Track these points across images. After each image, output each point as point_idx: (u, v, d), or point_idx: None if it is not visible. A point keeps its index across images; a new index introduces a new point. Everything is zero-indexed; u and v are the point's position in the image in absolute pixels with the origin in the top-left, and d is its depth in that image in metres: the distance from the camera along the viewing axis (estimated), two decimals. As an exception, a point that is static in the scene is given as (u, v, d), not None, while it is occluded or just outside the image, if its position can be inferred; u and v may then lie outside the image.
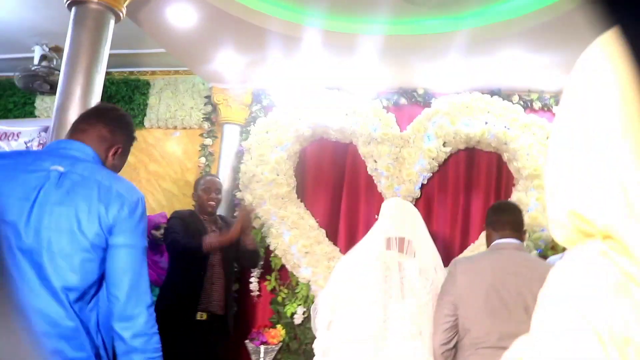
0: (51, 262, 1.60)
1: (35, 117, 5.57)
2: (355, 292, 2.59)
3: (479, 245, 4.23)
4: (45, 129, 5.48)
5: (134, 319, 1.69)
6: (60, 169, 1.68)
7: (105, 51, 3.15)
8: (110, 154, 1.86)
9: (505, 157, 4.36)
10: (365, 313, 2.50)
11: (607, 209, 0.63)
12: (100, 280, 1.70)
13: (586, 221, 0.66)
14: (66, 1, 3.10)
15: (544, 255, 4.16)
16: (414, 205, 4.34)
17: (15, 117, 5.62)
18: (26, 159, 1.71)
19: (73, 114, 2.91)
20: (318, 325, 2.70)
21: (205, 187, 3.84)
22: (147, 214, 3.68)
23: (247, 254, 3.87)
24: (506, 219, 2.57)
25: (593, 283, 0.63)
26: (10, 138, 5.57)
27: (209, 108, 5.03)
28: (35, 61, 4.90)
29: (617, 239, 0.63)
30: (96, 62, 3.07)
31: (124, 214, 1.68)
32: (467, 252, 4.24)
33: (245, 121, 4.88)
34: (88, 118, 1.88)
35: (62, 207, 1.63)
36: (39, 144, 5.48)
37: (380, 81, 4.54)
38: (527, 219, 4.04)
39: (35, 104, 5.57)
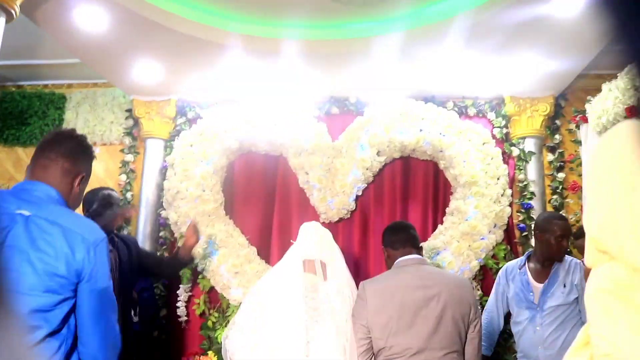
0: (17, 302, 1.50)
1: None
2: (276, 315, 2.54)
3: (417, 257, 4.04)
4: (-49, 149, 5.02)
5: None
6: (26, 213, 1.69)
7: (-7, 54, 2.80)
8: (76, 184, 1.88)
9: (441, 164, 4.22)
10: (288, 336, 2.48)
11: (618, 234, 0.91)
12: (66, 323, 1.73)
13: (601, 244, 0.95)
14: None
15: (483, 265, 4.01)
16: (350, 217, 4.18)
17: None
18: None
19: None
20: (236, 347, 2.63)
21: (107, 202, 3.32)
22: None
23: (179, 265, 3.59)
24: (405, 237, 2.63)
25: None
26: None
27: (130, 122, 4.70)
28: None
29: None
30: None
31: (90, 257, 1.72)
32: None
33: (170, 135, 4.58)
34: (47, 152, 1.85)
35: (30, 251, 1.65)
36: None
37: (310, 90, 4.32)
38: (466, 227, 3.89)
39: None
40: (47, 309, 1.66)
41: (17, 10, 2.92)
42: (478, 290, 3.97)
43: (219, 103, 4.45)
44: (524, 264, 3.22)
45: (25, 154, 4.96)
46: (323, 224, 4.19)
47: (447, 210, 4.14)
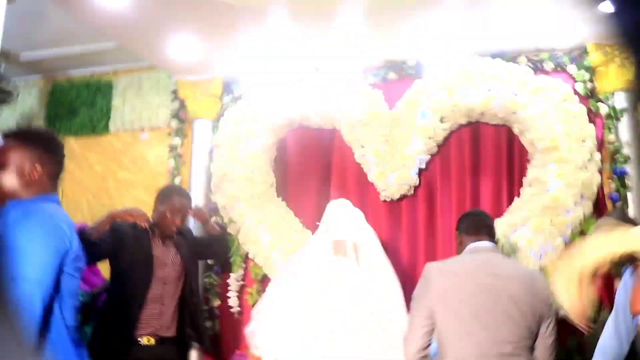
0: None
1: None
2: (303, 305, 2.46)
3: (492, 235, 3.55)
4: (7, 144, 4.98)
5: None
6: None
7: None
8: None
9: (516, 129, 3.68)
10: (315, 327, 2.39)
11: None
12: None
13: None
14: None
15: (569, 244, 3.46)
16: (413, 193, 3.76)
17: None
18: None
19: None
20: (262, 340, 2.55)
21: (173, 208, 3.28)
22: None
23: (214, 242, 3.60)
24: (480, 223, 2.55)
25: None
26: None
27: (176, 104, 4.46)
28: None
29: None
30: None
31: None
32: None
33: (217, 115, 4.29)
34: None
35: None
36: None
37: (364, 55, 3.90)
38: (547, 200, 3.37)
39: (-4, 117, 5.07)
40: None
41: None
42: (564, 272, 3.43)
43: (266, 77, 4.10)
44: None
45: (77, 145, 4.85)
46: (384, 202, 3.82)
47: (525, 180, 3.61)
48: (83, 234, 2.90)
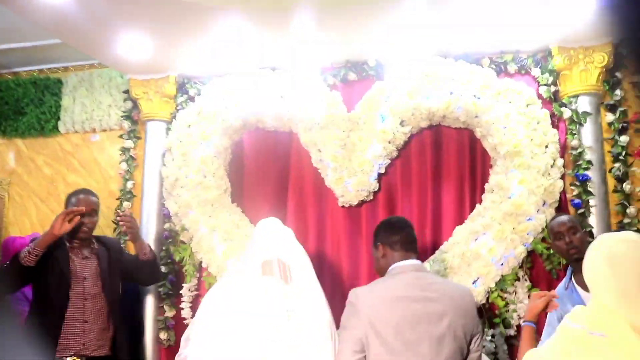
0: None
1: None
2: (233, 327, 2.25)
3: (453, 243, 3.44)
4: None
5: None
6: None
7: None
8: None
9: (477, 133, 3.57)
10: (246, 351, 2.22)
11: None
12: None
13: None
14: None
15: (531, 251, 3.37)
16: (373, 199, 3.64)
17: None
18: None
19: None
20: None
21: (75, 203, 3.05)
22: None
23: (144, 267, 3.25)
24: (408, 237, 2.34)
25: None
26: None
27: (129, 104, 4.25)
28: None
29: None
30: None
31: None
32: (440, 253, 3.46)
33: (171, 116, 4.09)
34: None
35: None
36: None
37: (322, 55, 3.74)
38: (509, 206, 3.28)
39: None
40: None
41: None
42: (526, 281, 3.34)
43: (220, 77, 3.93)
44: (569, 279, 2.77)
45: (24, 146, 4.62)
46: (342, 208, 3.68)
47: (487, 187, 3.50)
48: (16, 260, 2.77)
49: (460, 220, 3.53)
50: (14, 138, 4.62)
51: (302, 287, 2.38)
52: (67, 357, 2.84)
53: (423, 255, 3.55)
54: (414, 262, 2.28)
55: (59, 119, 4.48)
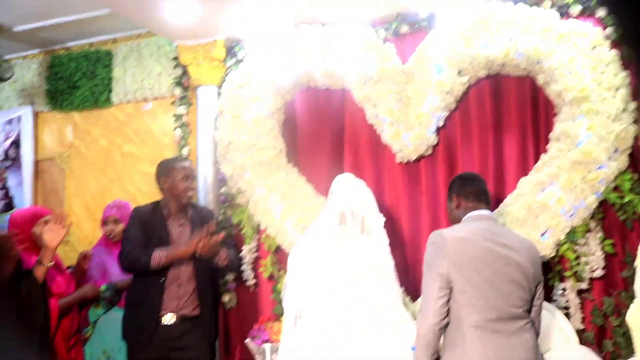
0: None
1: (-2, 108, 4.94)
2: (315, 281, 2.48)
3: (518, 195, 3.31)
4: (10, 121, 4.85)
5: None
6: None
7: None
8: None
9: (540, 79, 3.39)
10: (328, 305, 2.45)
11: None
12: None
13: None
14: None
15: (603, 200, 3.20)
16: (432, 153, 3.53)
17: (-20, 111, 5.00)
18: None
19: None
20: (284, 323, 2.63)
21: (184, 176, 3.22)
22: (125, 201, 3.63)
23: (223, 270, 3.52)
24: (481, 189, 2.51)
25: None
26: (-24, 136, 4.98)
27: (179, 71, 4.23)
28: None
29: None
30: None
31: None
32: (504, 207, 3.33)
33: (222, 81, 4.06)
34: None
35: None
36: (6, 138, 4.87)
37: (373, 8, 3.62)
38: (577, 154, 3.12)
39: (-5, 95, 4.92)
40: None
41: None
42: (598, 232, 3.19)
43: (268, 37, 3.85)
44: None
45: (81, 118, 4.69)
46: (400, 164, 3.59)
47: (552, 135, 3.34)
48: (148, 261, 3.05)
49: (524, 171, 3.39)
50: (70, 112, 4.69)
51: (373, 236, 2.58)
52: (166, 315, 3.10)
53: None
54: (487, 212, 2.45)
55: (111, 90, 4.52)
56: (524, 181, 3.32)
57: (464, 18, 3.42)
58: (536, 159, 3.38)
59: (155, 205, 3.28)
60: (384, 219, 2.70)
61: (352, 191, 2.68)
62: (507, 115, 3.50)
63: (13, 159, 4.83)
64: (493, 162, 3.48)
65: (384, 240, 2.65)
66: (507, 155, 3.48)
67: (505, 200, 3.35)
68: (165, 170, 3.26)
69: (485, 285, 2.20)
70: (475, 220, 2.40)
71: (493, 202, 3.41)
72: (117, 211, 3.55)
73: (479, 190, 2.50)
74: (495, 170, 3.48)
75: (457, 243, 2.26)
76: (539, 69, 3.32)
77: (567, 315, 3.15)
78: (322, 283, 2.46)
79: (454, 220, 2.54)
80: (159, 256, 3.04)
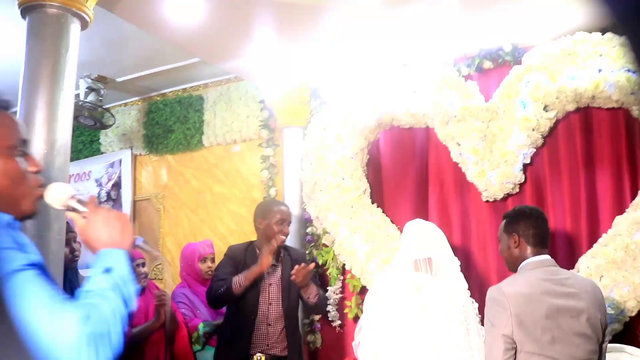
0: None
1: (101, 153, 5.30)
2: (393, 325, 2.43)
3: (614, 235, 3.13)
4: (112, 164, 5.18)
5: None
6: None
7: (69, 63, 2.55)
8: None
9: (635, 111, 3.22)
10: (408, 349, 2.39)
11: None
12: None
13: None
14: (19, 7, 2.57)
15: None
16: (519, 191, 3.42)
17: (86, 156, 5.38)
18: None
19: (37, 141, 2.38)
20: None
21: (280, 219, 3.23)
22: (212, 240, 3.79)
23: (311, 309, 3.47)
24: (545, 231, 2.35)
25: None
26: (83, 178, 5.36)
27: (266, 114, 4.38)
28: (82, 95, 4.54)
29: None
30: (58, 79, 2.48)
31: None
32: (599, 247, 3.16)
33: (307, 122, 4.16)
34: None
35: None
36: (108, 180, 5.20)
37: (454, 45, 3.61)
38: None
39: (100, 140, 5.29)
40: None
41: (91, 14, 2.67)
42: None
43: (352, 78, 3.91)
44: None
45: (174, 161, 4.94)
46: (487, 202, 3.51)
47: (651, 170, 3.16)
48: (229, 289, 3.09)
49: (620, 209, 3.21)
50: (165, 154, 4.95)
51: (449, 281, 2.49)
52: (256, 354, 3.12)
53: (579, 249, 3.30)
54: (548, 257, 2.30)
55: (202, 133, 4.73)
56: (619, 219, 3.15)
57: (549, 50, 3.33)
58: (633, 196, 3.19)
59: (249, 244, 3.35)
60: (459, 262, 2.61)
61: (423, 236, 2.61)
62: (600, 150, 3.34)
63: (114, 199, 5.14)
64: (585, 199, 3.32)
65: (461, 282, 2.56)
66: (600, 192, 3.31)
67: (600, 240, 3.18)
68: (262, 212, 3.30)
69: (549, 345, 2.09)
70: (536, 267, 2.26)
71: (586, 241, 3.28)
72: (213, 249, 3.69)
73: (544, 233, 2.34)
74: (588, 208, 3.31)
75: (520, 300, 2.13)
76: (634, 100, 3.16)
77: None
78: (398, 328, 2.41)
79: (509, 259, 2.39)
80: (238, 279, 3.05)
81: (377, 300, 2.51)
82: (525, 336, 2.09)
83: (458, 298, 2.47)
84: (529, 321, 2.10)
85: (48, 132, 2.42)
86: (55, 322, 1.04)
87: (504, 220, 2.46)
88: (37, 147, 2.38)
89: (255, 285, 3.15)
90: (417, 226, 2.69)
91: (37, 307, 1.05)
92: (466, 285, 2.56)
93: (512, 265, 2.40)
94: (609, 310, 3.00)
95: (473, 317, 2.48)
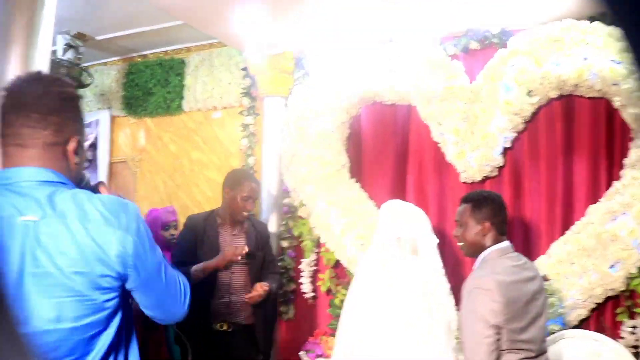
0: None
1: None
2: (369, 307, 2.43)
3: (587, 223, 3.17)
4: (89, 124, 5.08)
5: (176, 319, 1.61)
6: (33, 217, 1.25)
7: (45, 18, 2.46)
8: (70, 154, 1.36)
9: (616, 102, 3.23)
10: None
11: None
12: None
13: None
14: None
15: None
16: (498, 174, 3.45)
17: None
18: None
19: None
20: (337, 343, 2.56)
21: (246, 196, 3.17)
22: (174, 207, 3.68)
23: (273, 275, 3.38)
24: (506, 217, 2.42)
25: None
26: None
27: (248, 81, 4.32)
28: (60, 52, 4.42)
29: None
30: (33, 35, 2.39)
31: (128, 247, 1.32)
32: (571, 234, 3.20)
33: (289, 92, 4.11)
34: (16, 126, 1.30)
35: (57, 271, 1.24)
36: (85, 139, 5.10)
37: (442, 24, 3.57)
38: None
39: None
40: (100, 330, 1.32)
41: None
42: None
43: (337, 51, 3.86)
44: None
45: (153, 124, 4.87)
46: (464, 183, 3.52)
47: (626, 161, 3.18)
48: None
49: (594, 198, 3.24)
50: (144, 117, 4.87)
51: (428, 261, 2.50)
52: (217, 323, 3.08)
53: (552, 235, 3.33)
54: (509, 243, 2.36)
55: (182, 97, 4.66)
56: (593, 208, 3.19)
57: (536, 35, 3.31)
58: (608, 186, 3.22)
59: (209, 214, 3.28)
60: (437, 240, 2.60)
61: (404, 215, 2.58)
62: (579, 138, 3.36)
63: (90, 160, 5.06)
64: (562, 186, 3.35)
65: (437, 261, 2.56)
66: (577, 180, 3.34)
67: (573, 227, 3.22)
68: (232, 182, 3.25)
69: (526, 329, 2.16)
70: (504, 254, 2.30)
71: (560, 227, 3.32)
72: (176, 216, 3.67)
73: (506, 218, 2.40)
74: (564, 195, 3.35)
75: (507, 289, 2.15)
76: (616, 90, 3.17)
77: (637, 354, 2.99)
78: (375, 308, 2.42)
79: (473, 245, 2.37)
80: (196, 272, 2.99)
81: (361, 282, 2.50)
82: (510, 324, 2.11)
83: (427, 276, 2.49)
84: (515, 309, 2.13)
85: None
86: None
87: (469, 204, 2.41)
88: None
89: (213, 253, 3.09)
90: (396, 206, 2.66)
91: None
92: (440, 263, 2.58)
93: (474, 252, 2.38)
94: (577, 296, 3.08)
95: (441, 296, 2.49)
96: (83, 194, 1.33)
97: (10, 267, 1.22)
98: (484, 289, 2.13)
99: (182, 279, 1.57)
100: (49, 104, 1.32)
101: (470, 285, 2.19)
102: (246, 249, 3.05)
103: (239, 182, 3.21)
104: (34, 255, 1.23)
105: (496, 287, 2.12)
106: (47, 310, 1.23)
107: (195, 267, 3.00)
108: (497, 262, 2.28)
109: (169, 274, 1.49)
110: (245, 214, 3.19)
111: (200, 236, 3.14)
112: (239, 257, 3.01)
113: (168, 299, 1.50)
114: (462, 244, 2.44)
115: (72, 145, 1.35)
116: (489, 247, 2.33)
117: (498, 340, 2.11)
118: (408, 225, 2.52)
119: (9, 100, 1.32)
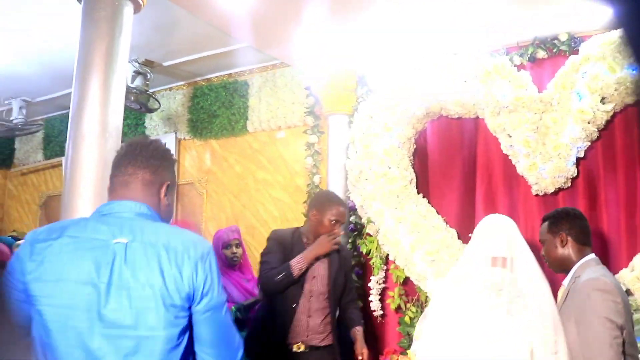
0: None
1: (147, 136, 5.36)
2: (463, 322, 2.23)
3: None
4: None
5: None
6: (124, 240, 1.51)
7: (122, 47, 2.56)
8: (162, 195, 1.68)
9: (698, 106, 3.10)
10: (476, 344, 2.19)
11: None
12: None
13: None
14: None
15: None
16: (571, 186, 3.33)
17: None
18: (84, 232, 1.52)
19: (90, 124, 2.41)
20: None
21: (334, 220, 3.09)
22: (238, 226, 3.70)
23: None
24: (587, 227, 2.41)
25: None
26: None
27: (311, 100, 4.35)
28: (129, 79, 4.58)
29: None
30: (111, 62, 2.49)
31: (200, 277, 1.54)
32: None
33: (353, 110, 4.11)
34: (124, 167, 1.66)
35: (138, 285, 1.47)
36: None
37: (507, 33, 3.51)
38: None
39: (145, 124, 5.35)
40: (173, 346, 1.50)
41: None
42: None
43: (400, 66, 3.84)
44: None
45: (218, 145, 4.96)
46: (537, 196, 3.42)
47: None
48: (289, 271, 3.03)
49: (680, 209, 3.10)
50: (209, 139, 4.98)
51: (527, 278, 2.32)
52: (294, 343, 3.05)
53: (633, 247, 3.19)
54: (595, 256, 2.37)
55: (247, 118, 4.74)
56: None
57: (608, 40, 3.20)
58: (693, 194, 3.07)
59: (295, 230, 3.22)
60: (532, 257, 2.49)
61: (502, 232, 2.44)
62: (659, 145, 3.22)
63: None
64: (641, 197, 3.21)
65: (533, 279, 2.42)
66: (659, 188, 3.19)
67: (656, 239, 3.08)
68: (319, 205, 3.14)
69: (633, 335, 2.18)
70: (597, 264, 2.32)
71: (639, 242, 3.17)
72: (239, 235, 3.67)
73: (589, 230, 2.40)
74: (644, 206, 3.20)
75: (620, 292, 2.17)
76: (697, 94, 3.02)
77: None
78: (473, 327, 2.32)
79: (557, 259, 2.39)
80: (298, 264, 2.95)
81: (446, 295, 2.41)
82: (627, 327, 2.14)
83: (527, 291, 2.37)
84: (629, 312, 2.18)
85: (101, 114, 2.44)
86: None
87: (546, 222, 2.47)
88: (90, 130, 2.40)
89: (300, 275, 3.07)
90: (493, 220, 2.55)
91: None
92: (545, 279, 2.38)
93: (559, 266, 2.40)
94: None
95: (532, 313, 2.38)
96: (169, 227, 1.62)
97: (101, 279, 1.44)
98: (604, 290, 2.14)
99: (237, 332, 1.69)
100: (150, 152, 1.65)
101: (588, 288, 2.17)
102: (342, 233, 3.10)
103: (327, 206, 3.12)
104: (120, 270, 1.46)
105: (615, 289, 2.15)
106: (126, 317, 1.44)
107: (294, 262, 2.98)
108: (595, 268, 2.29)
109: (228, 316, 1.65)
110: (336, 244, 3.09)
111: (287, 250, 3.09)
112: (336, 245, 3.03)
113: (225, 338, 1.62)
114: (549, 261, 2.46)
115: (164, 187, 1.66)
116: (577, 261, 2.34)
117: (624, 342, 2.11)
118: (501, 242, 2.40)
119: (124, 150, 1.68)
